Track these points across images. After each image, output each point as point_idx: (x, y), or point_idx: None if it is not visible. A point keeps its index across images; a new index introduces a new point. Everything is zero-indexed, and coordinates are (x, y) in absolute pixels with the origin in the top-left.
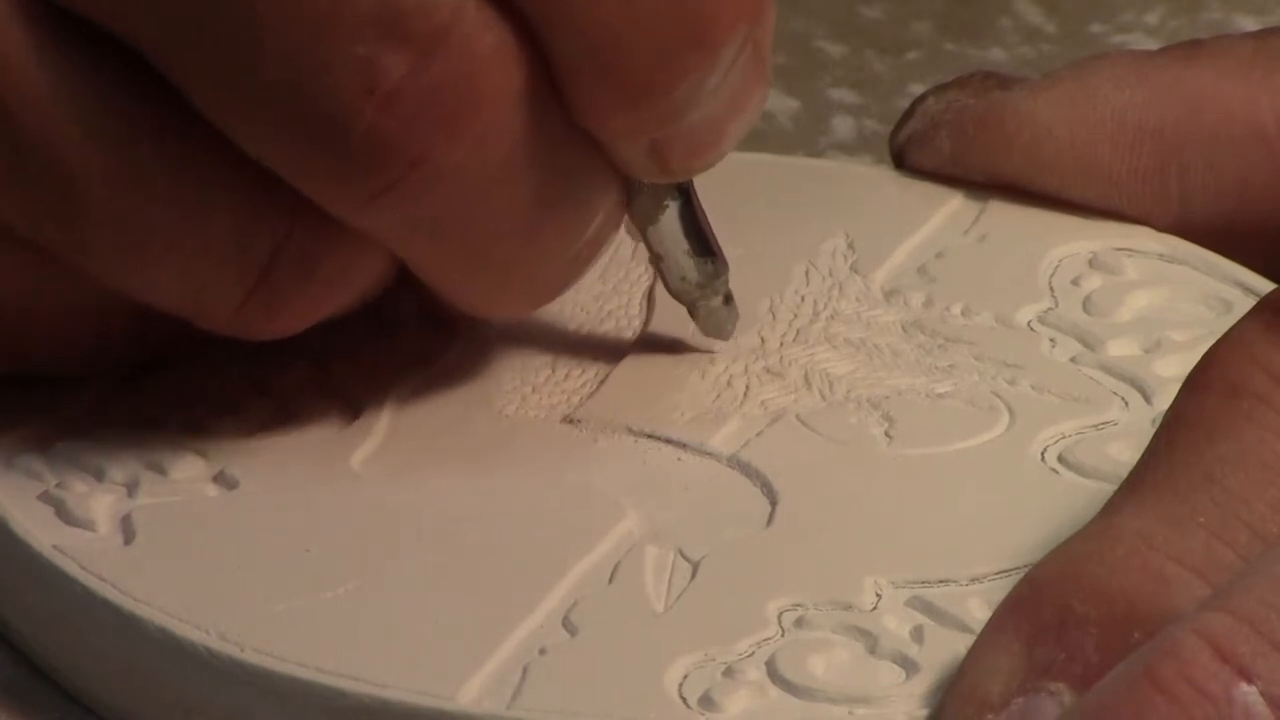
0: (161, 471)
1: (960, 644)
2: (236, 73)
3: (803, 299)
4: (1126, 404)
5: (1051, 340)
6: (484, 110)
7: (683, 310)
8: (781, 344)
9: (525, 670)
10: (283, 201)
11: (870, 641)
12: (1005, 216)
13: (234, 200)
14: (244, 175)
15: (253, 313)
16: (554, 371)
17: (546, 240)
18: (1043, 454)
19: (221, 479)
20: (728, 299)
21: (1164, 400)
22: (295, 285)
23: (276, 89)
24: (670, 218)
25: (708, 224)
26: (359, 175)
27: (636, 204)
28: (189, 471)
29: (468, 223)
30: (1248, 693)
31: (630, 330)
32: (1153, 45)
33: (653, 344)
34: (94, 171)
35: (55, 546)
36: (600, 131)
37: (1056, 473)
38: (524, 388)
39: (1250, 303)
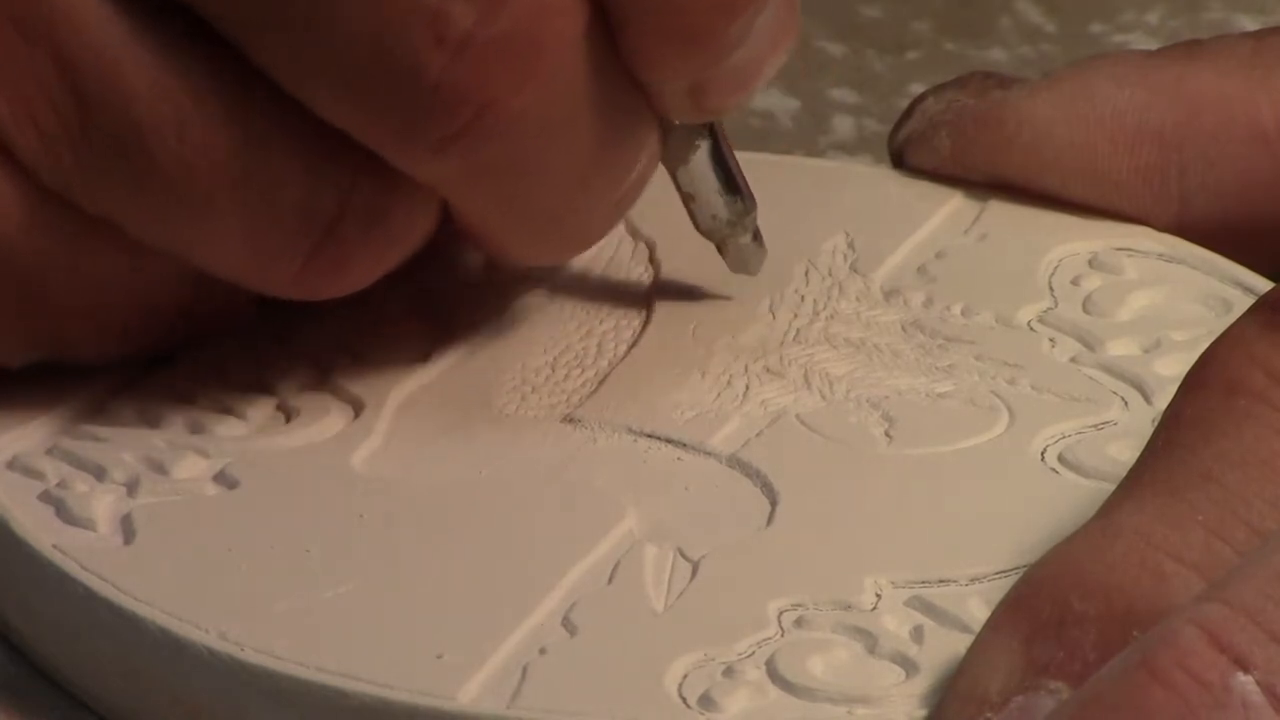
0: (162, 471)
1: (960, 644)
2: (302, 29)
3: (803, 298)
4: (1126, 404)
5: (1051, 340)
6: (548, 55)
7: (683, 310)
8: (781, 343)
9: (525, 670)
10: (348, 155)
11: (870, 641)
12: (1005, 216)
13: (300, 154)
14: (309, 129)
15: (318, 270)
16: (554, 371)
17: (596, 184)
18: (1043, 454)
19: (222, 478)
20: (756, 236)
21: (1164, 400)
22: (361, 239)
23: (343, 42)
24: (701, 158)
25: (736, 162)
26: (427, 124)
27: (669, 145)
28: (189, 471)
29: (526, 168)
30: (1245, 682)
31: (630, 330)
32: (1153, 45)
33: (653, 344)
34: (162, 124)
35: (55, 546)
36: (649, 72)
37: (1056, 473)
38: (524, 388)
39: (1250, 303)
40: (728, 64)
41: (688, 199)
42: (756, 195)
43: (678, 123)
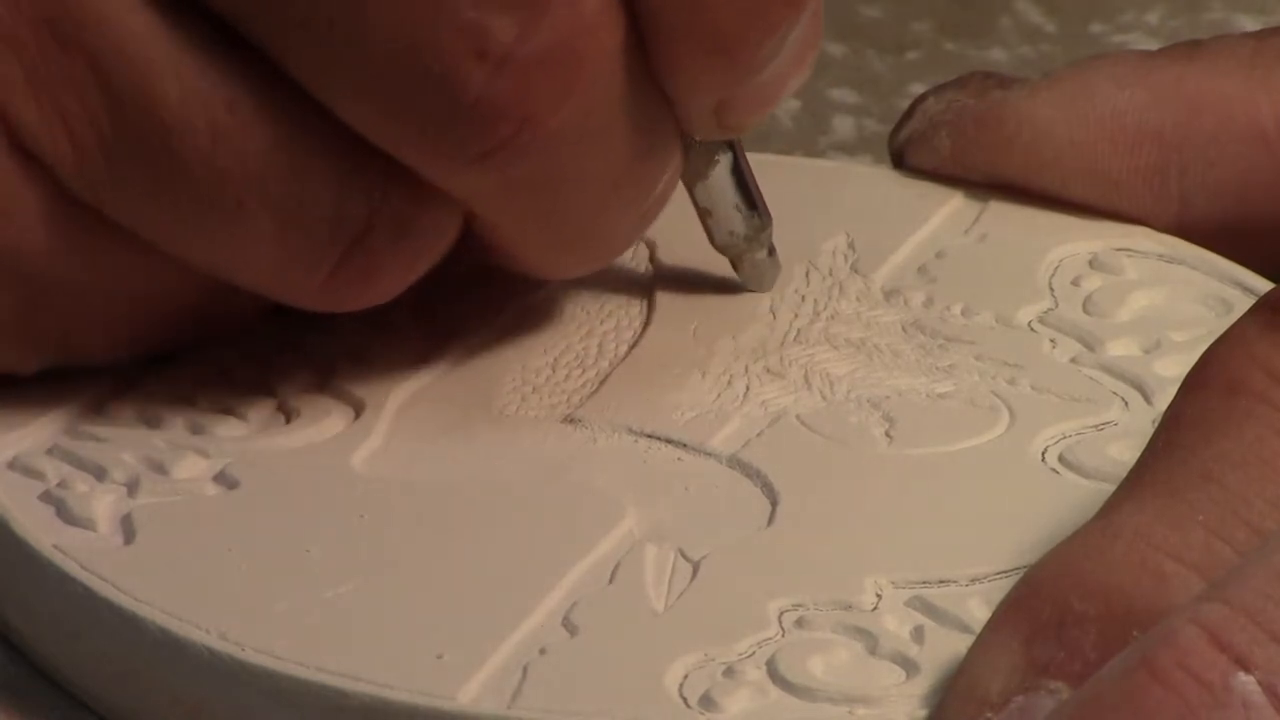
0: (162, 471)
1: (960, 644)
2: (337, 42)
3: (803, 299)
4: (1127, 404)
5: (1052, 340)
6: (588, 69)
7: (683, 310)
8: (782, 344)
9: (525, 670)
10: (379, 165)
11: (870, 641)
12: (1005, 216)
13: (332, 163)
14: (342, 138)
15: (345, 280)
16: (554, 371)
17: (625, 197)
18: (1043, 454)
19: (222, 479)
20: (770, 251)
21: (1164, 400)
22: (390, 250)
23: (380, 55)
24: (721, 173)
25: (753, 178)
26: (465, 139)
27: (689, 160)
28: (189, 471)
29: (560, 181)
30: (1245, 682)
31: (630, 330)
32: (1153, 45)
33: (653, 344)
34: (194, 130)
35: (55, 546)
36: (680, 86)
37: (1057, 473)
38: (524, 388)
39: (1250, 303)
40: (755, 81)
41: (704, 214)
42: None
43: (698, 139)
